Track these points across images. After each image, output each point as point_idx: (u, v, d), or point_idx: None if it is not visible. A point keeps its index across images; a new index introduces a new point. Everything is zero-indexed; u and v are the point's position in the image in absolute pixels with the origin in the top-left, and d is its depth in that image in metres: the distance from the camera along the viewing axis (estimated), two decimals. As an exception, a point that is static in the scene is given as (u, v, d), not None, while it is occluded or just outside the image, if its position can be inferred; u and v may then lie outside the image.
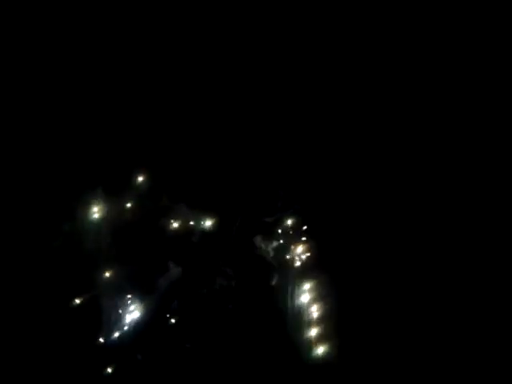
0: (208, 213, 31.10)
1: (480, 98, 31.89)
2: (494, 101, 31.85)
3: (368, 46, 33.07)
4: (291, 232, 32.24)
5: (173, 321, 30.50)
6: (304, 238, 32.30)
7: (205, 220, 31.11)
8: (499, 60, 31.68)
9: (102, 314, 29.57)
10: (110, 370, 28.72)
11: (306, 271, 32.03)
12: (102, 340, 29.14)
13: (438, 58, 32.45)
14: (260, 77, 32.67)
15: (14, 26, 31.07)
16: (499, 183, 31.33)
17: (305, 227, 32.11)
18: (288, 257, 31.81)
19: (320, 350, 30.43)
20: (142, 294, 30.70)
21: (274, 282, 31.36)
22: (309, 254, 32.02)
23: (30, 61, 31.19)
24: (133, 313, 30.23)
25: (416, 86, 32.82)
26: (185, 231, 31.08)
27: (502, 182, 31.31)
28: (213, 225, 31.29)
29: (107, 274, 29.92)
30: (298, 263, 31.89)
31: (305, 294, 31.54)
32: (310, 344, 30.64)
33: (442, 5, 32.48)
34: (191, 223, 30.99)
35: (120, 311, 30.03)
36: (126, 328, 29.84)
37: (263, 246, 31.86)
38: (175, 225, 30.94)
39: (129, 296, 30.23)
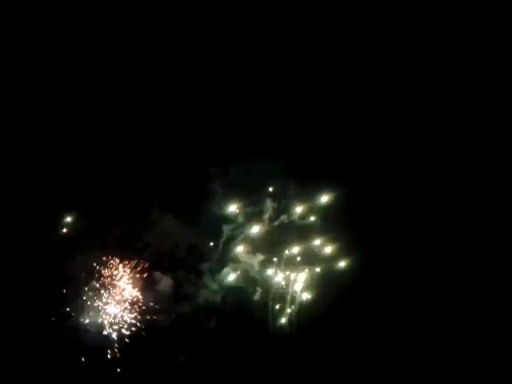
0: (194, 226, 31.53)
1: (480, 96, 31.81)
2: (494, 100, 31.93)
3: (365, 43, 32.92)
4: (276, 247, 32.64)
5: (163, 331, 30.95)
6: (288, 251, 32.71)
7: (191, 233, 31.55)
8: (499, 60, 31.73)
9: (91, 327, 30.00)
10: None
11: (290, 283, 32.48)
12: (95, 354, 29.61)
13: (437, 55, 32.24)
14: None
15: (14, 26, 30.99)
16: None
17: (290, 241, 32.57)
18: (271, 270, 32.24)
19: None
20: (132, 306, 31.20)
21: (256, 297, 31.76)
22: (293, 268, 32.47)
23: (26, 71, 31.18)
24: (122, 323, 30.74)
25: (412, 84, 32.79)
26: (171, 244, 31.55)
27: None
28: (198, 238, 31.72)
29: (97, 285, 30.41)
30: (281, 276, 32.36)
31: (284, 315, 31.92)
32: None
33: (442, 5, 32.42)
34: (177, 236, 31.45)
35: (110, 322, 30.43)
36: (115, 337, 30.28)
37: (248, 259, 32.26)
38: (161, 237, 31.39)
39: (118, 308, 30.73)
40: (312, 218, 32.95)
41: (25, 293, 29.64)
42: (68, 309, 30.31)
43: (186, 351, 30.69)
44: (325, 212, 32.80)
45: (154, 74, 31.82)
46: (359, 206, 32.50)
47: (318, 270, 32.34)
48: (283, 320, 31.52)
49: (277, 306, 31.56)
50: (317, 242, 32.67)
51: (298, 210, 32.98)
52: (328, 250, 32.29)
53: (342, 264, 32.08)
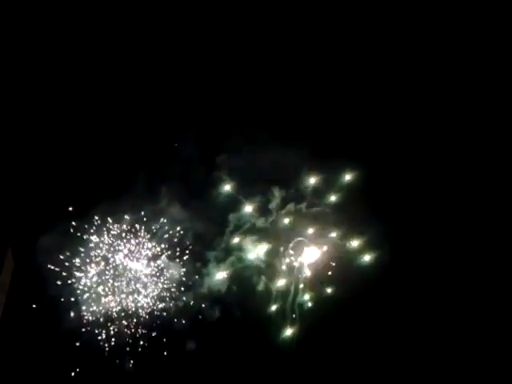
0: (201, 215, 31.79)
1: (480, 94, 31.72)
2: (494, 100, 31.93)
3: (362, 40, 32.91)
4: (283, 235, 32.83)
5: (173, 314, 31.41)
6: (295, 242, 32.85)
7: (198, 222, 31.83)
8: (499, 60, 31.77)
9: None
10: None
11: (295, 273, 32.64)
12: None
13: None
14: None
15: (14, 26, 31.23)
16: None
17: (297, 231, 32.70)
18: (276, 260, 32.45)
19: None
20: (140, 293, 31.62)
21: (261, 287, 32.00)
22: (298, 258, 32.63)
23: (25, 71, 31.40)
24: (130, 311, 31.20)
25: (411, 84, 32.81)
26: (179, 232, 31.86)
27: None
28: (205, 227, 31.97)
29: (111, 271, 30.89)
30: (286, 267, 32.50)
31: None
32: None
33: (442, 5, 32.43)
34: (185, 224, 31.77)
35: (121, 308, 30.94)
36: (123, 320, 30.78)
37: (253, 248, 32.49)
38: (169, 225, 31.73)
39: (125, 295, 31.20)
40: (321, 207, 32.87)
41: (32, 284, 30.15)
42: (75, 297, 30.84)
43: (192, 339, 31.10)
44: (338, 199, 32.58)
45: (163, 62, 31.91)
46: (377, 195, 31.99)
47: (333, 264, 32.25)
48: (288, 330, 31.53)
49: (274, 307, 31.54)
50: (332, 234, 32.49)
51: (308, 198, 32.94)
52: (342, 242, 32.03)
53: (362, 260, 31.75)
